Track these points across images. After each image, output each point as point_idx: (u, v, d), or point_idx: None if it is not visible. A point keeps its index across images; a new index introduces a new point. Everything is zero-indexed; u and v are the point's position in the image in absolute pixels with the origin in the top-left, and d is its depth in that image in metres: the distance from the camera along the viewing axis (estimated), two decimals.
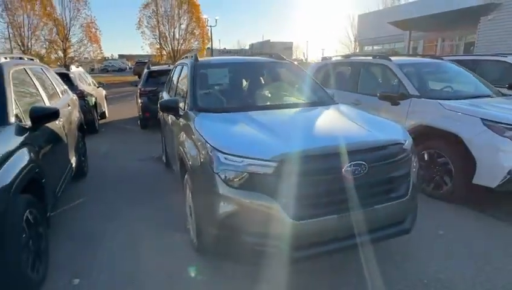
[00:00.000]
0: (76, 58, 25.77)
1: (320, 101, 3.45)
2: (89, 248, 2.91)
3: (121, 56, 71.39)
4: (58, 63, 23.92)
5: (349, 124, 2.69)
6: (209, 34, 29.10)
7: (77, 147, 4.47)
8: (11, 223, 2.06)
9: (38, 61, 4.85)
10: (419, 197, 2.65)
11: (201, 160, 2.31)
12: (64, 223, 3.41)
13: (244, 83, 3.75)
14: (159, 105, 3.34)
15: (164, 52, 27.17)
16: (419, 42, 23.59)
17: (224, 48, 72.02)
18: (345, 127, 2.67)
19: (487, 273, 2.43)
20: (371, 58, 5.29)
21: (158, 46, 27.41)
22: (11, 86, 2.87)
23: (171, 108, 3.18)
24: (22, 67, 3.49)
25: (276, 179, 2.00)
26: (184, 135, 2.88)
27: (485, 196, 3.55)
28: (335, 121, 2.83)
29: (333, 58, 6.37)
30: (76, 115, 4.83)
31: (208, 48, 30.95)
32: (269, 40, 76.89)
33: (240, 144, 2.18)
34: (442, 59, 5.34)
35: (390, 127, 2.65)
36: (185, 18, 27.03)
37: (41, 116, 2.87)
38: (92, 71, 46.10)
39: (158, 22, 26.41)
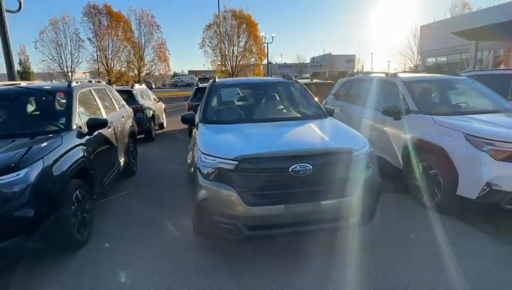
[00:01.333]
0: (149, 75, 29.28)
1: (312, 115, 4.01)
2: (123, 225, 3.86)
3: (190, 72, 76.99)
4: (134, 80, 27.43)
5: (314, 134, 3.22)
6: (266, 51, 30.58)
7: (127, 150, 5.61)
8: (64, 198, 3.05)
9: (104, 82, 6.20)
10: (413, 204, 3.02)
11: (195, 160, 3.08)
12: (110, 206, 4.46)
13: (250, 99, 4.48)
14: (180, 118, 4.24)
15: (224, 68, 29.28)
16: (489, 52, 21.69)
17: (285, 62, 73.64)
18: (307, 136, 3.22)
19: (435, 272, 2.74)
20: (383, 75, 5.60)
21: (219, 63, 29.66)
22: (77, 103, 4.02)
23: (189, 120, 4.06)
24: (88, 88, 4.72)
25: (236, 173, 2.67)
26: (193, 142, 3.70)
27: (479, 210, 3.66)
28: (305, 132, 3.37)
29: (356, 75, 6.74)
30: (129, 125, 6.03)
31: (264, 63, 32.44)
32: (330, 53, 76.19)
33: (216, 147, 2.91)
34: (459, 75, 5.41)
35: (349, 138, 3.13)
36: (244, 37, 28.96)
37: (94, 125, 3.95)
38: (163, 86, 51.19)
39: (219, 41, 28.70)
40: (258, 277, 2.72)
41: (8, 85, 4.62)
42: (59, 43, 25.42)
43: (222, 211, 2.71)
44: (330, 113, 4.36)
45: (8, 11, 7.69)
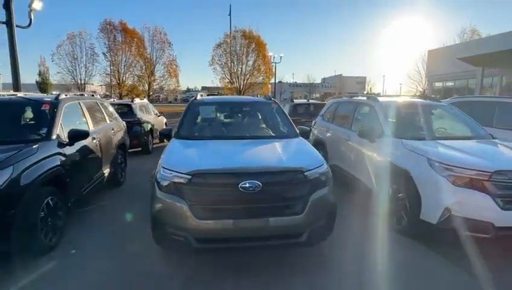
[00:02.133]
0: (160, 90, 30.10)
1: (283, 135, 4.15)
2: (94, 234, 4.00)
3: (203, 88, 78.08)
4: (145, 94, 28.21)
5: (272, 153, 3.34)
6: (274, 70, 31.12)
7: (114, 161, 5.81)
8: (32, 203, 3.22)
9: (99, 96, 6.51)
10: (382, 227, 3.35)
11: (156, 172, 3.22)
12: (88, 215, 4.61)
13: (225, 117, 4.66)
14: (158, 133, 4.42)
15: (231, 86, 29.88)
16: (497, 78, 21.60)
17: (295, 82, 74.41)
18: (264, 154, 3.34)
19: None
20: (365, 98, 5.72)
21: (227, 81, 30.30)
22: (61, 115, 4.25)
23: (166, 135, 4.24)
24: (76, 101, 4.98)
25: (188, 187, 2.80)
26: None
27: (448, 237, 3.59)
28: (265, 150, 3.48)
29: (343, 97, 6.89)
30: (118, 137, 6.25)
31: (272, 82, 32.97)
32: (341, 75, 76.71)
33: (174, 162, 3.06)
34: (439, 101, 5.49)
35: (305, 158, 3.24)
36: (252, 56, 29.63)
37: (75, 136, 4.17)
38: (175, 101, 52.19)
39: (228, 60, 29.45)
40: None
41: (2, 95, 4.92)
42: (75, 56, 26.55)
43: (174, 223, 2.82)
44: (305, 133, 4.48)
45: (18, 26, 8.21)
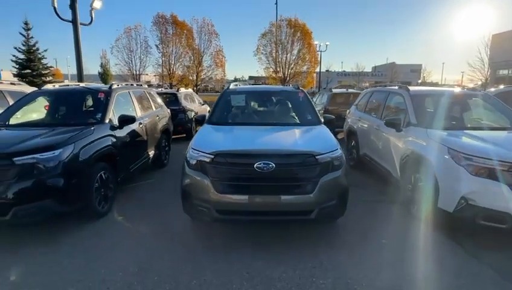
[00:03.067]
0: (208, 80, 31.34)
1: (305, 122, 4.40)
2: (138, 204, 4.65)
3: (250, 77, 78.86)
4: (193, 83, 29.59)
5: (289, 138, 3.63)
6: (319, 59, 30.59)
7: (158, 144, 6.49)
8: (89, 175, 3.89)
9: (146, 86, 7.22)
10: (403, 215, 3.71)
11: (186, 152, 3.69)
12: (136, 189, 5.32)
13: (253, 105, 5.00)
14: (193, 118, 4.92)
15: (275, 75, 30.05)
16: None
17: (344, 71, 72.08)
18: (281, 139, 3.64)
19: (384, 274, 2.96)
20: (396, 87, 5.68)
21: (272, 70, 30.50)
22: (113, 103, 4.93)
23: (200, 121, 4.74)
24: (126, 91, 5.67)
25: (211, 165, 3.22)
26: None
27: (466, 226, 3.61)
28: (283, 135, 3.76)
29: (377, 87, 6.84)
30: (163, 123, 6.93)
31: (317, 71, 32.44)
32: (394, 62, 72.48)
33: (201, 143, 3.50)
34: (479, 91, 5.27)
35: (320, 143, 3.47)
36: (297, 45, 29.40)
37: (124, 120, 4.82)
38: (222, 90, 53.76)
39: (273, 50, 29.58)
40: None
41: (68, 85, 5.79)
42: (131, 49, 28.63)
43: (199, 195, 3.27)
44: (329, 122, 4.68)
45: (82, 24, 9.30)
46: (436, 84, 54.37)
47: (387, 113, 5.57)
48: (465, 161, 3.47)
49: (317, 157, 3.22)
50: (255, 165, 3.11)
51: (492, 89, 7.21)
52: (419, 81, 67.33)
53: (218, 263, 3.07)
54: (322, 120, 4.57)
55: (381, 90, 6.37)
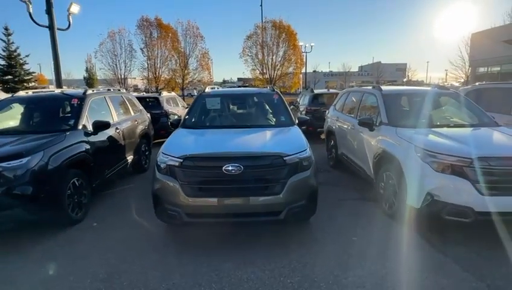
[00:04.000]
0: (193, 83, 31.27)
1: (278, 124, 4.45)
2: (115, 211, 4.62)
3: (239, 79, 78.81)
4: (179, 86, 29.46)
5: (259, 140, 3.68)
6: (304, 60, 30.86)
7: (137, 149, 6.45)
8: (60, 182, 3.86)
9: (125, 90, 7.19)
10: (375, 212, 3.83)
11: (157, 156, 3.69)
12: (113, 195, 5.28)
13: (228, 108, 5.04)
14: (169, 123, 4.93)
15: (262, 77, 30.16)
16: None
17: (330, 71, 72.81)
18: (250, 141, 3.68)
19: (350, 270, 3.03)
20: (370, 87, 5.80)
21: (258, 72, 30.61)
22: (87, 109, 4.89)
23: (174, 124, 4.74)
24: (102, 96, 5.64)
25: (180, 169, 3.24)
26: None
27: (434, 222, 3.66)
28: (253, 137, 3.80)
29: (354, 87, 6.96)
30: (142, 127, 6.89)
31: (303, 72, 32.69)
32: (380, 62, 73.60)
33: (171, 147, 3.52)
34: (448, 89, 5.42)
35: (289, 144, 3.53)
36: (283, 46, 29.58)
37: (98, 126, 4.79)
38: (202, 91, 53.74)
39: (259, 51, 29.71)
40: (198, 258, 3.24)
41: (41, 91, 5.72)
42: (115, 53, 28.35)
43: (169, 200, 3.28)
44: (304, 122, 4.75)
45: (59, 29, 9.19)
46: (421, 83, 55.45)
47: (362, 113, 5.68)
48: (429, 157, 3.57)
49: (285, 158, 3.27)
50: (223, 168, 3.14)
51: (461, 87, 7.43)
52: (405, 79, 68.47)
53: (187, 266, 3.08)
54: (297, 121, 4.64)
55: (356, 91, 6.48)
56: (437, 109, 4.98)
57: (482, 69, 25.51)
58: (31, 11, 8.39)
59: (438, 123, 4.54)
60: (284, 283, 2.81)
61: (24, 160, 3.48)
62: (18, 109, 5.40)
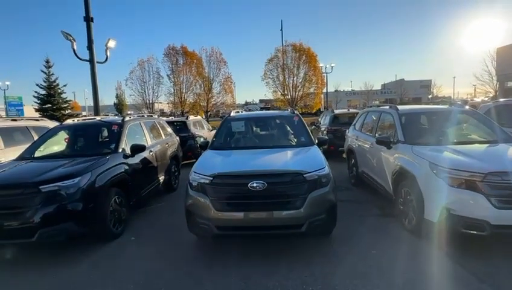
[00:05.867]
0: (216, 106, 32.38)
1: (298, 144, 4.78)
2: (148, 225, 5.05)
3: (261, 100, 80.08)
4: (203, 110, 30.57)
5: (281, 159, 4.00)
6: (325, 80, 31.24)
7: (168, 170, 6.95)
8: (104, 200, 4.34)
9: (158, 115, 7.81)
10: (395, 227, 4.04)
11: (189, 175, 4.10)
12: (148, 212, 5.73)
13: (251, 131, 5.43)
14: (198, 144, 5.38)
15: (283, 98, 30.76)
16: None
17: (352, 90, 72.73)
18: (273, 160, 4.00)
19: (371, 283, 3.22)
20: (387, 107, 6.03)
21: (280, 93, 31.26)
22: (126, 134, 5.46)
23: (203, 146, 5.18)
24: (138, 122, 6.23)
25: (210, 186, 3.61)
26: None
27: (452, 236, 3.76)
28: (276, 157, 4.12)
29: (371, 107, 7.20)
30: (172, 150, 7.42)
31: (324, 92, 33.01)
32: (403, 79, 72.75)
33: (202, 167, 3.92)
34: (463, 107, 5.56)
35: (308, 163, 3.82)
36: (303, 68, 30.21)
37: (135, 149, 5.32)
38: (228, 115, 55.27)
39: (280, 73, 30.49)
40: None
41: (86, 119, 6.40)
42: (144, 80, 30.04)
43: (200, 214, 3.65)
44: (323, 142, 5.05)
45: (98, 62, 10.16)
46: (448, 99, 54.02)
47: (380, 131, 5.90)
48: (444, 173, 3.75)
49: (305, 175, 3.57)
50: (248, 185, 3.48)
51: (483, 104, 7.46)
52: (430, 96, 67.11)
53: (217, 275, 3.39)
54: (316, 141, 4.94)
55: (374, 110, 6.72)
56: (454, 126, 5.12)
57: (510, 84, 24.83)
58: (75, 48, 9.42)
59: (454, 140, 4.68)
60: None
61: (76, 180, 3.99)
62: (62, 135, 6.08)
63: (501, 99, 8.11)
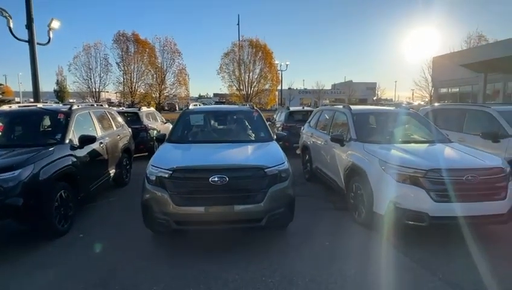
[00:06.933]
0: (169, 98, 31.35)
1: (258, 139, 4.84)
2: (98, 222, 4.76)
3: (215, 95, 79.14)
4: (155, 102, 29.40)
5: (242, 154, 4.04)
6: (280, 77, 31.93)
7: (119, 163, 6.59)
8: (49, 195, 3.99)
9: (107, 105, 7.33)
10: (347, 220, 4.25)
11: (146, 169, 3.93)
12: (97, 208, 5.39)
13: (210, 124, 5.39)
14: (154, 137, 5.18)
15: (239, 93, 30.83)
16: (500, 84, 21.73)
17: (305, 88, 75.12)
18: (234, 154, 4.03)
19: (323, 269, 3.39)
20: (341, 106, 6.36)
21: (235, 88, 31.27)
22: (73, 123, 5.05)
23: (159, 139, 5.00)
24: (86, 111, 5.80)
25: (169, 180, 3.51)
26: None
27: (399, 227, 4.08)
28: (236, 151, 4.16)
29: (325, 105, 7.53)
30: (124, 142, 7.04)
31: (279, 89, 33.73)
32: (351, 81, 76.94)
33: (160, 160, 3.79)
34: (408, 109, 6.08)
35: (269, 157, 3.90)
36: (259, 64, 30.56)
37: (84, 140, 4.95)
38: (186, 108, 53.90)
39: (235, 68, 30.47)
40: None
41: (26, 106, 5.79)
42: (90, 66, 28.03)
43: (158, 209, 3.53)
44: (280, 138, 5.16)
45: (39, 44, 9.22)
46: (389, 101, 58.47)
47: (334, 129, 6.20)
48: (391, 170, 4.07)
49: (265, 170, 3.63)
50: (210, 179, 3.45)
51: (423, 107, 8.22)
52: (375, 98, 71.92)
53: (175, 269, 3.32)
54: (275, 137, 5.04)
55: (329, 109, 7.04)
56: (399, 127, 5.57)
57: (443, 90, 27.57)
58: (11, 25, 8.42)
59: (400, 139, 5.10)
60: (266, 282, 3.12)
61: (16, 172, 3.61)
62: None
63: (436, 104, 8.98)
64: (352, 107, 5.94)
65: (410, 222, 3.91)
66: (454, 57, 24.45)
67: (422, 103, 33.37)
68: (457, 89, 25.72)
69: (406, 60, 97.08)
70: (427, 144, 4.94)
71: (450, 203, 3.78)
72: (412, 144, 4.83)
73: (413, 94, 48.95)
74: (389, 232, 4.15)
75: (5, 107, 5.56)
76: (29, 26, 8.81)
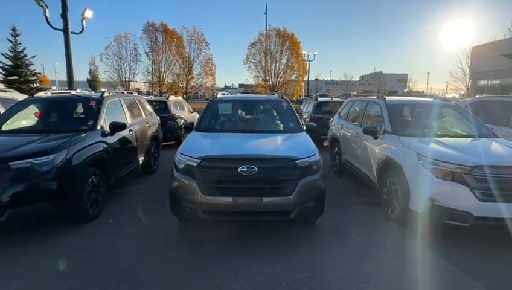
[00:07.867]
0: (196, 88, 31.65)
1: (287, 129, 4.69)
2: (127, 207, 4.83)
3: (241, 85, 79.25)
4: (183, 91, 29.77)
5: (272, 144, 3.91)
6: (307, 68, 31.24)
7: (147, 151, 6.67)
8: (81, 179, 4.07)
9: (136, 94, 7.42)
10: (379, 216, 4.03)
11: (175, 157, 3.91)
12: (126, 194, 5.49)
13: (239, 113, 5.28)
14: (182, 126, 5.17)
15: (265, 84, 30.57)
16: None
17: (332, 80, 73.48)
18: (264, 145, 3.91)
19: (357, 268, 3.23)
20: (375, 97, 6.04)
21: (261, 79, 31.01)
22: (105, 110, 5.13)
23: (188, 128, 4.96)
24: (117, 99, 5.88)
25: (198, 169, 3.46)
26: None
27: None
28: (266, 142, 4.03)
29: (358, 97, 7.21)
30: (152, 130, 7.11)
31: (306, 80, 33.11)
32: (381, 72, 74.31)
33: (189, 149, 3.74)
34: (448, 101, 5.67)
35: (299, 149, 3.74)
36: (286, 54, 30.03)
37: (115, 127, 5.01)
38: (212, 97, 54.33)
39: (262, 59, 30.15)
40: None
41: (59, 93, 5.95)
42: (120, 56, 28.73)
43: (186, 197, 3.49)
44: (311, 129, 4.97)
45: (73, 33, 9.48)
46: (421, 94, 55.97)
47: (367, 121, 5.92)
48: (431, 165, 3.79)
49: (296, 161, 3.49)
50: (239, 169, 3.36)
51: (462, 100, 7.68)
52: (405, 90, 69.07)
53: (202, 259, 3.28)
54: (304, 128, 4.87)
55: (361, 100, 6.73)
56: (438, 119, 5.21)
57: (482, 82, 25.89)
58: (47, 15, 8.70)
59: (439, 133, 4.76)
60: (295, 278, 3.01)
61: (50, 157, 3.69)
62: (32, 109, 5.62)
63: (477, 96, 8.38)
64: (387, 97, 5.62)
65: (450, 222, 3.64)
66: (496, 46, 22.82)
67: (457, 96, 31.55)
68: (498, 81, 24.02)
69: (441, 51, 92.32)
70: (470, 139, 4.57)
71: (496, 203, 3.47)
72: (454, 138, 4.48)
73: (447, 86, 46.45)
74: (425, 231, 3.90)
75: (41, 94, 5.74)
76: (64, 15, 9.06)
